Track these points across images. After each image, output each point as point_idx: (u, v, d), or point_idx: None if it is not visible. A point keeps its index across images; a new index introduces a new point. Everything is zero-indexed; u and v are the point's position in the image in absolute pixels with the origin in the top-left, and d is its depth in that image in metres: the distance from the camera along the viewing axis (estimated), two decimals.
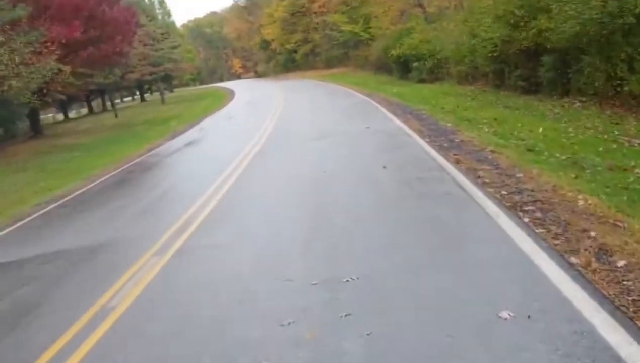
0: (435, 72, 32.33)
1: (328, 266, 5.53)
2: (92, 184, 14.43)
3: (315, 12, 71.37)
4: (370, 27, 53.44)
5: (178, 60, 58.35)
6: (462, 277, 4.77)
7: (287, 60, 78.82)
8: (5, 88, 21.62)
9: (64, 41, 27.42)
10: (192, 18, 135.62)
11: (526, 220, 5.92)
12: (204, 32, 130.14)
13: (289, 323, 4.40)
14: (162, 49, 55.56)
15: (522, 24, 18.86)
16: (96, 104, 72.96)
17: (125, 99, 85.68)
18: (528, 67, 19.54)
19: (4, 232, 10.50)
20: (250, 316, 4.75)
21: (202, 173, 12.98)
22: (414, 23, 39.14)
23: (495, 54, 21.27)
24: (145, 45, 54.74)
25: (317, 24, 71.06)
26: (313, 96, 32.12)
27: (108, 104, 74.36)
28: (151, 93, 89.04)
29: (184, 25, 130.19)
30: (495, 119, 14.18)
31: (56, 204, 12.46)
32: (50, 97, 38.07)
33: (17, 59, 22.32)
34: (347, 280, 5.02)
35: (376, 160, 10.41)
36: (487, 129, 12.85)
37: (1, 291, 6.87)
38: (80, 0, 28.58)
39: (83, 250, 8.01)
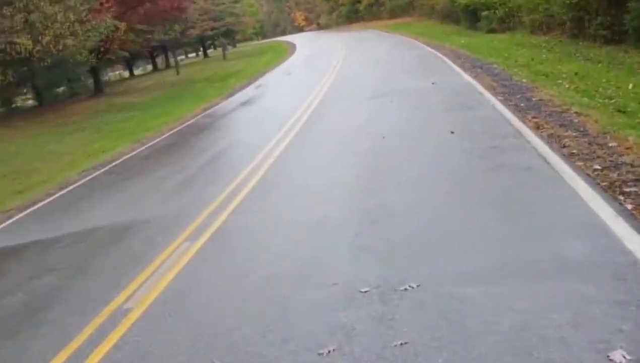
0: (506, 22, 30.24)
1: (382, 267, 4.56)
2: (143, 148, 13.88)
3: None
4: None
5: (239, 15, 57.38)
6: (557, 289, 3.71)
7: (350, 11, 76.81)
8: (60, 47, 21.27)
9: None
10: None
11: (629, 206, 4.78)
12: None
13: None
14: (222, 3, 54.66)
15: None
16: (160, 60, 73.48)
17: (190, 55, 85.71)
18: (611, 15, 17.65)
19: (44, 202, 10.04)
20: None
21: (252, 138, 12.15)
22: None
23: (573, 1, 19.35)
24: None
25: None
26: (375, 48, 30.69)
27: (172, 60, 74.84)
28: (215, 48, 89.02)
29: None
30: (576, 74, 12.68)
31: (103, 170, 11.97)
32: (113, 54, 38.15)
33: (72, 17, 21.89)
34: (405, 289, 4.05)
35: (443, 123, 9.28)
36: (567, 86, 11.42)
37: (18, 281, 6.26)
38: None
39: (116, 228, 7.35)
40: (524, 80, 12.43)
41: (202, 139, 13.47)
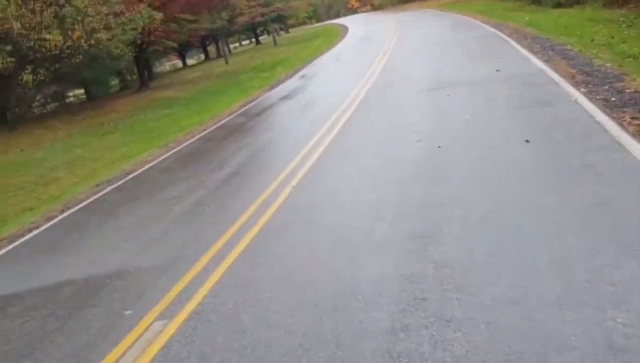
0: None
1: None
2: (167, 154, 12.48)
3: None
4: None
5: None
6: None
7: None
8: (92, 42, 20.09)
9: None
10: None
11: None
12: None
13: None
14: None
15: None
16: (213, 49, 72.69)
17: (244, 42, 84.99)
18: None
19: (34, 233, 8.66)
20: None
21: (278, 146, 10.54)
22: None
23: None
24: None
25: None
26: (430, 29, 28.48)
27: (224, 49, 73.87)
28: (268, 34, 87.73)
29: None
30: None
31: (116, 185, 10.62)
32: (161, 45, 37.15)
33: (105, 10, 20.69)
34: None
35: (514, 127, 7.39)
36: None
37: None
38: None
39: (88, 285, 5.81)
40: (608, 64, 10.30)
41: (227, 146, 11.75)
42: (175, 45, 43.62)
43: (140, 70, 34.09)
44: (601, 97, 7.92)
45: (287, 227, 5.88)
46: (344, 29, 51.57)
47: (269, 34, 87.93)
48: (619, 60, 10.65)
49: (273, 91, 19.68)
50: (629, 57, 11.03)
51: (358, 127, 9.95)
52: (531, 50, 13.68)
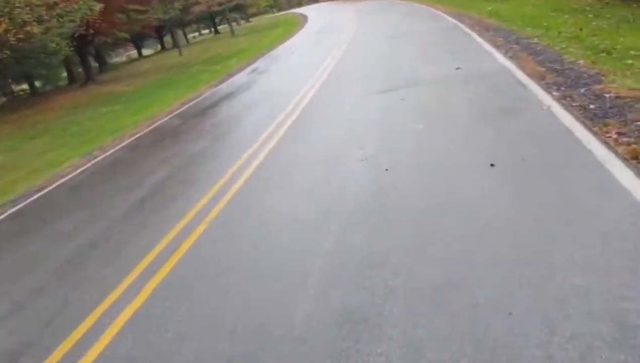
0: None
1: None
2: (86, 166, 10.93)
3: None
4: None
5: None
6: None
7: None
8: (21, 35, 18.30)
9: None
10: None
11: None
12: None
13: None
14: None
15: None
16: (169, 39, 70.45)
17: (204, 32, 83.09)
18: None
19: None
20: None
21: (211, 158, 9.04)
22: None
23: None
24: None
25: None
26: (390, 20, 27.20)
27: (181, 39, 71.70)
28: (229, 24, 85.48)
29: None
30: None
31: (17, 208, 9.01)
32: (110, 36, 35.22)
33: (37, 1, 18.91)
34: None
35: (475, 144, 6.12)
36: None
37: None
38: None
39: None
40: (581, 61, 9.13)
41: (149, 158, 10.16)
42: (126, 36, 41.65)
43: (86, 63, 32.10)
44: (577, 103, 6.72)
45: (183, 297, 4.46)
46: (304, 19, 50.46)
47: (229, 23, 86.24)
48: (591, 56, 9.50)
49: (221, 86, 18.22)
50: (602, 52, 9.89)
51: (299, 138, 8.56)
52: (494, 44, 12.49)
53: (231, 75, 20.91)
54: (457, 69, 10.45)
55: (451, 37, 15.85)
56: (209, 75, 22.47)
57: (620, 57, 9.29)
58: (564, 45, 10.94)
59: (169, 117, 14.35)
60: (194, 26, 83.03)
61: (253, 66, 22.32)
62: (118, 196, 7.89)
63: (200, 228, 5.67)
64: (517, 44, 12.06)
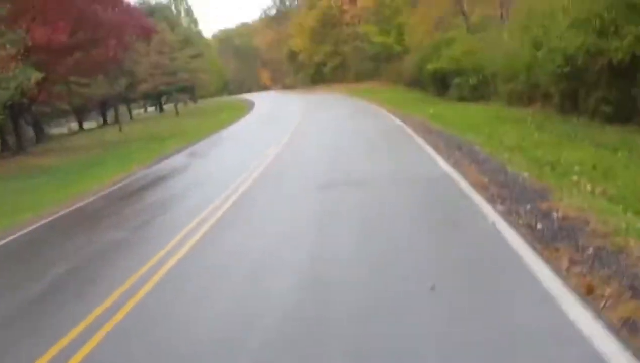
0: (479, 90, 27.42)
1: None
2: None
3: (347, 23, 67.21)
4: (403, 39, 48.76)
5: (194, 70, 53.95)
6: None
7: (315, 72, 75.28)
8: None
9: (46, 45, 23.19)
10: (222, 28, 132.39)
11: None
12: (233, 42, 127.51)
13: None
14: (177, 58, 51.19)
15: (612, 29, 13.85)
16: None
17: (150, 109, 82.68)
18: (617, 88, 14.52)
19: None
20: None
21: (93, 276, 7.10)
22: (454, 33, 34.29)
23: (565, 69, 16.23)
24: (160, 53, 50.48)
25: (348, 35, 66.96)
26: (334, 116, 27.26)
27: (125, 114, 70.83)
28: (175, 104, 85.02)
29: (214, 36, 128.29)
30: (595, 167, 9.20)
31: None
32: (49, 106, 34.17)
33: None
34: None
35: (413, 261, 5.49)
36: (590, 187, 7.86)
37: None
38: None
39: None
40: (525, 173, 8.80)
41: (59, 246, 9.20)
42: (66, 107, 40.68)
43: (19, 132, 30.79)
44: (524, 221, 6.23)
45: None
46: (251, 105, 50.76)
47: (175, 104, 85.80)
48: (535, 169, 9.22)
49: (151, 169, 17.37)
50: (546, 165, 9.66)
51: (219, 243, 7.69)
52: (436, 148, 12.23)
53: (166, 157, 20.16)
54: (398, 170, 10.02)
55: (395, 138, 15.70)
56: (144, 155, 21.65)
57: (565, 172, 9.05)
58: (507, 156, 10.71)
59: (93, 197, 13.33)
60: (141, 102, 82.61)
61: (191, 149, 21.77)
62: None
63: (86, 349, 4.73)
64: (459, 149, 11.82)
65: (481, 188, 8.07)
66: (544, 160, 10.20)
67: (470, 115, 20.58)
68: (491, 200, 7.35)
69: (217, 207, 9.42)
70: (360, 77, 62.05)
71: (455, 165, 10.01)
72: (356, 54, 64.05)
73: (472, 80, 26.89)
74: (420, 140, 13.91)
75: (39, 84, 23.65)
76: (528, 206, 6.82)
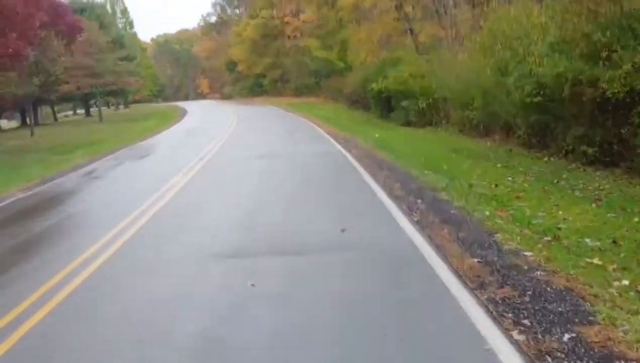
0: (427, 115, 25.02)
1: None
2: None
3: (289, 36, 64.69)
4: (346, 56, 46.46)
5: (121, 73, 49.89)
6: None
7: (255, 84, 72.77)
8: None
9: None
10: (161, 33, 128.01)
11: None
12: (172, 48, 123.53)
13: None
14: (104, 60, 47.07)
15: (604, 54, 11.44)
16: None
17: (80, 111, 78.04)
18: (602, 126, 12.15)
19: None
20: None
21: None
22: (401, 52, 31.98)
23: (536, 99, 13.81)
24: (86, 53, 46.28)
25: (289, 48, 64.42)
26: (269, 133, 24.32)
27: (50, 115, 65.68)
28: (108, 106, 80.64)
29: (153, 40, 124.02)
30: (615, 242, 6.53)
31: None
32: None
33: None
34: None
35: None
36: (628, 282, 5.18)
37: None
38: None
39: None
40: (527, 252, 5.99)
41: None
42: None
43: None
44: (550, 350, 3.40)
45: None
46: (183, 113, 48.07)
47: (109, 106, 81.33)
48: (536, 242, 6.47)
49: (40, 188, 13.95)
50: (545, 233, 6.93)
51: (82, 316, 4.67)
52: (392, 194, 9.33)
53: (64, 173, 16.65)
54: (342, 231, 7.06)
55: (336, 171, 12.80)
56: (40, 170, 18.02)
57: (577, 248, 6.35)
58: (487, 213, 7.95)
59: None
60: (70, 104, 77.78)
61: (97, 164, 18.24)
62: None
63: None
64: (422, 198, 8.96)
65: (472, 279, 5.19)
66: (538, 223, 7.50)
67: (422, 145, 18.00)
68: (496, 312, 4.47)
69: (92, 257, 6.25)
70: (300, 92, 59.80)
71: (424, 227, 7.08)
72: (297, 68, 61.62)
73: (422, 104, 24.43)
74: (368, 178, 11.01)
75: None
76: (566, 337, 3.98)
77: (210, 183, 12.34)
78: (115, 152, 21.91)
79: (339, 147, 16.97)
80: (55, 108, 66.86)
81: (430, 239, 6.54)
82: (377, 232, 7.18)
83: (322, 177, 12.09)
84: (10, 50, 23.10)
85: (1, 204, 12.14)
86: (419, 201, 8.69)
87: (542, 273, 5.29)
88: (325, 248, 6.57)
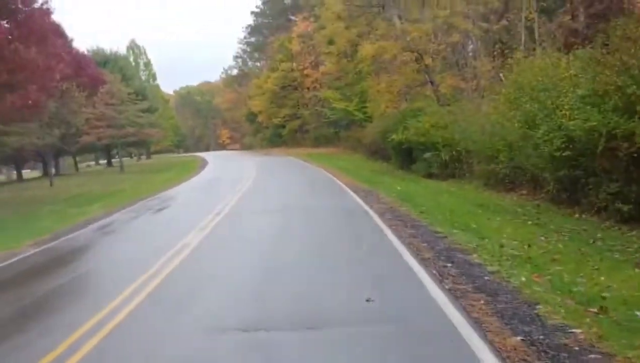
0: (449, 167, 24.51)
1: None
2: None
3: (308, 87, 65.03)
4: (366, 106, 46.38)
5: (143, 125, 50.13)
6: None
7: (274, 134, 72.98)
8: None
9: None
10: (184, 85, 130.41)
11: None
12: (194, 99, 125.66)
13: None
14: (125, 111, 47.39)
15: (639, 108, 10.93)
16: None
17: (102, 161, 79.20)
18: (635, 181, 11.58)
19: None
20: None
21: None
22: (422, 103, 31.63)
23: (565, 153, 13.26)
24: (107, 104, 46.71)
25: (308, 99, 64.70)
26: (288, 185, 23.90)
27: (70, 166, 66.32)
28: (131, 157, 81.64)
29: (176, 92, 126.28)
30: None
31: None
32: None
33: None
34: None
35: None
36: None
37: None
38: None
39: None
40: (576, 329, 5.35)
41: None
42: None
43: None
44: None
45: None
46: (203, 164, 48.19)
47: (131, 157, 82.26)
48: (583, 316, 5.81)
49: (47, 246, 13.48)
50: (589, 304, 6.26)
51: None
52: (419, 255, 8.74)
53: (77, 228, 16.22)
54: (367, 301, 6.46)
55: (358, 229, 12.19)
56: (51, 223, 17.68)
57: (630, 325, 5.67)
58: (523, 278, 7.32)
59: None
60: (92, 154, 78.78)
61: (112, 218, 17.86)
62: None
63: None
64: (451, 260, 8.36)
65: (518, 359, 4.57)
66: (579, 291, 6.84)
67: (446, 199, 17.38)
68: None
69: (98, 325, 5.70)
70: (319, 142, 59.79)
71: (457, 297, 6.45)
72: (316, 119, 61.73)
73: (445, 156, 23.92)
74: (393, 238, 10.41)
75: None
76: None
77: (225, 242, 11.81)
78: (131, 204, 21.60)
79: (360, 200, 16.43)
80: (78, 158, 67.50)
81: (466, 312, 5.91)
82: (406, 302, 6.55)
83: (342, 237, 11.46)
84: (30, 101, 23.17)
85: (8, 262, 11.69)
86: (450, 265, 8.07)
87: (597, 357, 4.65)
88: (348, 322, 5.96)
